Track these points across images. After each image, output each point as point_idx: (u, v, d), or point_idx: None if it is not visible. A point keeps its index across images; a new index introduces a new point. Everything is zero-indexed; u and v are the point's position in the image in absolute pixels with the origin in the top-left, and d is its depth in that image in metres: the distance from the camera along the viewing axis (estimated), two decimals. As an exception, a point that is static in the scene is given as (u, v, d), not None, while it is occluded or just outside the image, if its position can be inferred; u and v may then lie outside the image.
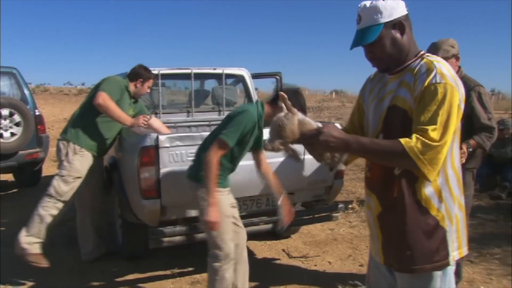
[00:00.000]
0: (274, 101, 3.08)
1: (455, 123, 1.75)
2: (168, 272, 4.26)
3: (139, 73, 4.39)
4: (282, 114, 1.89)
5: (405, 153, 1.69)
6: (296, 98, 2.94)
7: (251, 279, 3.51)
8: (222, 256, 3.13)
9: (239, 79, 5.88)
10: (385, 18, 1.82)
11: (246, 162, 3.35)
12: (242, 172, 3.61)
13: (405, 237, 1.87)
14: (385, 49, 1.86)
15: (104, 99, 3.97)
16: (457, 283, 2.78)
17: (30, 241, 3.99)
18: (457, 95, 1.74)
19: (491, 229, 5.48)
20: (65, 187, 4.09)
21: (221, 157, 3.01)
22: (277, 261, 4.55)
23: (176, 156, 3.54)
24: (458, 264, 2.78)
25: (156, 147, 3.49)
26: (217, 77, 5.84)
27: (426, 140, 1.68)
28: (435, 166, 1.72)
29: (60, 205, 4.11)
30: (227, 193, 3.25)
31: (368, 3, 1.85)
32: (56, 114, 19.38)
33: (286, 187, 3.46)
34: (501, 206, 6.43)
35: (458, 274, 2.79)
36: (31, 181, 7.69)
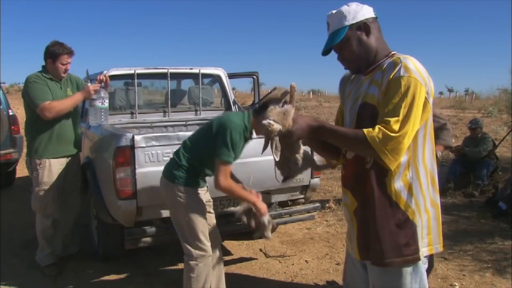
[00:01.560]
0: (259, 112, 3.04)
1: (419, 116, 1.80)
2: (144, 272, 4.23)
3: (47, 52, 4.05)
4: (286, 105, 1.99)
5: (366, 142, 1.77)
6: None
7: (228, 278, 3.51)
8: (198, 254, 3.14)
9: (216, 78, 5.87)
10: (349, 21, 1.93)
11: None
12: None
13: (376, 231, 1.92)
14: (352, 49, 1.96)
15: (48, 110, 3.85)
16: (428, 272, 2.82)
17: (40, 256, 4.26)
18: (423, 89, 1.80)
19: (464, 226, 5.59)
20: (40, 202, 4.09)
21: (203, 164, 3.11)
22: (254, 261, 4.56)
23: (152, 156, 3.53)
24: (430, 261, 2.82)
25: (132, 147, 3.47)
26: (194, 76, 5.82)
27: (387, 131, 1.75)
28: (396, 156, 1.79)
29: (46, 219, 4.13)
30: (204, 192, 3.25)
31: (334, 11, 1.98)
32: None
33: (262, 186, 3.48)
34: (474, 204, 6.57)
35: (429, 264, 2.82)
36: (5, 182, 7.55)
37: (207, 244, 3.17)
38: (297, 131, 1.92)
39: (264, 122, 1.93)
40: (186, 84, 6.21)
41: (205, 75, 5.81)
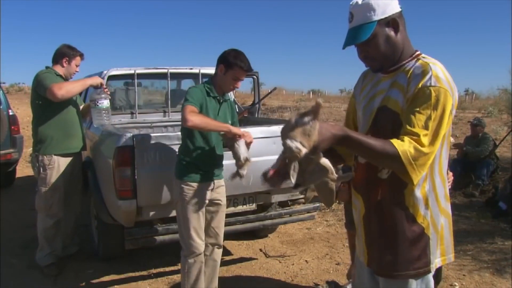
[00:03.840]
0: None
1: (446, 129, 1.70)
2: (144, 273, 4.23)
3: (63, 52, 4.18)
4: (311, 121, 1.59)
5: (397, 156, 1.61)
6: None
7: (228, 278, 3.52)
8: (188, 251, 3.18)
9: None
10: (378, 16, 1.73)
11: (224, 162, 3.35)
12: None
13: (388, 242, 1.84)
14: (379, 48, 1.78)
15: (59, 87, 3.84)
16: (437, 283, 2.80)
17: (40, 256, 4.25)
18: (450, 101, 1.68)
19: (465, 226, 5.59)
20: (46, 202, 4.09)
21: (188, 154, 3.14)
22: (254, 261, 4.56)
23: (152, 156, 3.53)
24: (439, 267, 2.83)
25: (132, 147, 3.46)
26: (194, 76, 5.81)
27: (418, 146, 1.62)
28: (422, 172, 1.67)
29: (50, 219, 4.13)
30: (206, 189, 3.21)
31: (360, 0, 1.76)
32: (31, 115, 19.00)
33: (262, 186, 3.46)
34: (474, 204, 6.57)
35: (438, 277, 2.81)
36: (5, 182, 7.54)
37: (198, 241, 3.18)
38: (321, 143, 1.58)
39: (290, 144, 1.56)
40: (186, 84, 6.20)
41: (205, 75, 5.79)
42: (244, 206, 4.05)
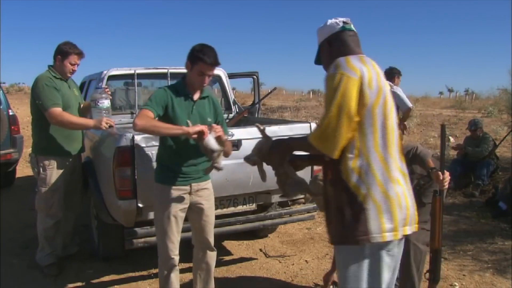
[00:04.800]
0: None
1: (353, 107, 1.92)
2: (144, 273, 4.23)
3: (58, 50, 4.06)
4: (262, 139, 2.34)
5: (308, 141, 2.02)
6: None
7: (228, 278, 3.52)
8: (159, 253, 3.17)
9: (216, 78, 5.86)
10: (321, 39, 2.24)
11: (223, 162, 3.34)
12: (220, 172, 3.61)
13: (330, 213, 2.09)
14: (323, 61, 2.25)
15: (55, 118, 3.84)
16: (435, 282, 2.84)
17: (40, 256, 4.25)
18: (353, 82, 1.93)
19: (465, 226, 5.59)
20: (46, 202, 4.09)
21: (161, 157, 3.12)
22: (254, 261, 4.56)
23: (152, 156, 3.52)
24: (435, 266, 2.86)
25: (132, 147, 3.47)
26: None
27: (321, 127, 1.96)
28: (333, 147, 1.94)
29: (50, 219, 4.13)
30: (183, 193, 3.09)
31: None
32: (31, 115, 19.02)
33: (262, 186, 3.46)
34: (474, 204, 6.57)
35: (436, 276, 2.84)
36: (5, 182, 7.54)
37: (168, 245, 3.11)
38: (270, 157, 2.28)
39: (248, 156, 2.38)
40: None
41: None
42: (244, 206, 4.05)
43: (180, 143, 3.01)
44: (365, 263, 2.00)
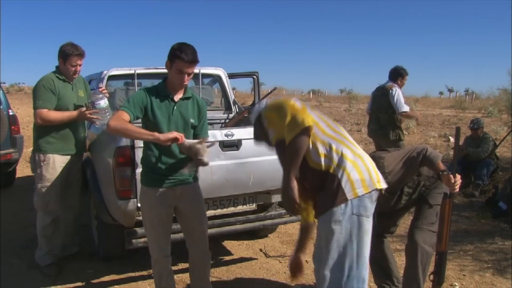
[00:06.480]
0: None
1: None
2: (144, 273, 4.23)
3: (59, 52, 4.07)
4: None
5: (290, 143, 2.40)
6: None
7: (228, 278, 3.51)
8: (152, 261, 3.18)
9: (216, 78, 5.87)
10: None
11: (223, 162, 3.36)
12: (219, 172, 3.62)
13: (317, 193, 2.48)
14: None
15: (41, 117, 3.92)
16: (439, 285, 2.85)
17: (39, 255, 4.28)
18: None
19: (465, 226, 5.59)
20: (43, 199, 4.09)
21: (146, 159, 3.07)
22: (254, 261, 4.56)
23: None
24: (440, 268, 2.88)
25: (132, 147, 3.46)
26: (194, 76, 5.80)
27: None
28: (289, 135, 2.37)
29: (48, 217, 4.14)
30: (166, 195, 3.04)
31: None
32: (31, 115, 18.93)
33: (262, 186, 3.46)
34: (474, 204, 6.57)
35: (440, 279, 2.85)
36: (5, 182, 7.54)
37: (153, 247, 3.12)
38: (289, 202, 2.47)
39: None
40: (186, 84, 6.18)
41: (205, 75, 5.80)
42: (244, 206, 4.05)
43: (162, 146, 2.93)
44: (346, 224, 2.35)
